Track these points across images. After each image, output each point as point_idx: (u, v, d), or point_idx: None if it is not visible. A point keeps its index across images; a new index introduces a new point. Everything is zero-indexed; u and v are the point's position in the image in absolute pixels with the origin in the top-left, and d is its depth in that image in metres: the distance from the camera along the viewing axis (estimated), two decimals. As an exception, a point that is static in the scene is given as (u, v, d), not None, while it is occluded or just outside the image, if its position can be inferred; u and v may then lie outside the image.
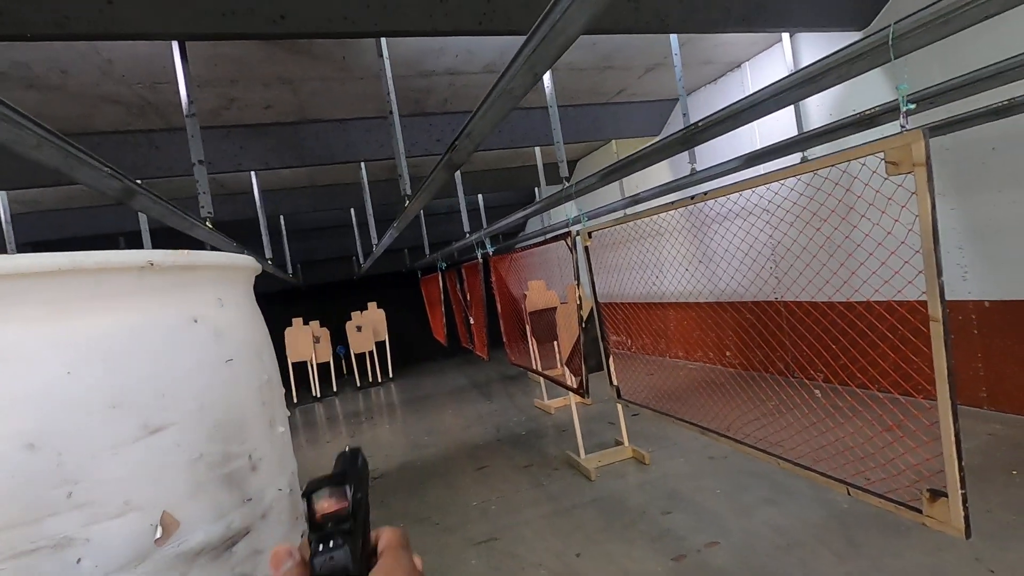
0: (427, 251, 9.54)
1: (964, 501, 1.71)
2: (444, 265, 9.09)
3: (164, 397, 0.54)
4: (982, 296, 4.13)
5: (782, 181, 2.25)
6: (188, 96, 3.22)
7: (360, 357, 11.23)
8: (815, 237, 3.10)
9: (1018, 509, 2.83)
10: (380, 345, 10.96)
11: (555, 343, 6.23)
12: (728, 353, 6.70)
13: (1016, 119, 3.45)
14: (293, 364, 9.57)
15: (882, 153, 1.79)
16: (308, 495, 0.44)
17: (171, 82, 3.97)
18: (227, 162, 5.19)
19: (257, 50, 3.87)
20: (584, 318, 4.20)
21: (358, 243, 9.33)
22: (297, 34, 2.84)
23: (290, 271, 8.64)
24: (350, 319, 10.73)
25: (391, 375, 10.89)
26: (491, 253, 6.50)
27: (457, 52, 4.48)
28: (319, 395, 9.67)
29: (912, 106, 1.78)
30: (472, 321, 7.88)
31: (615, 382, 4.04)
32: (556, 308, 6.20)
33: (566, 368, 5.18)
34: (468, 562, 3.20)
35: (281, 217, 8.77)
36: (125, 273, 0.54)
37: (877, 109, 2.94)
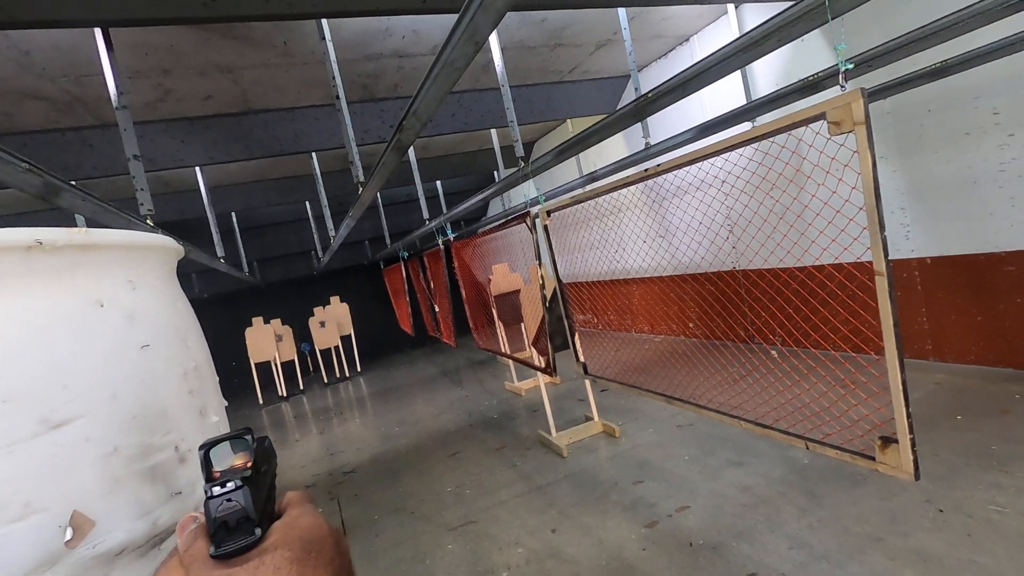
0: (388, 241, 9.38)
1: (912, 446, 1.79)
2: (406, 254, 8.97)
3: (68, 388, 0.49)
4: (924, 253, 4.31)
5: (734, 151, 2.27)
6: (117, 88, 3.03)
7: (326, 353, 11.04)
8: (766, 202, 3.16)
9: (963, 451, 3.00)
10: (346, 339, 10.78)
11: (522, 325, 6.24)
12: (691, 324, 6.85)
13: (948, 80, 3.58)
14: (256, 364, 9.33)
15: (824, 114, 1.82)
16: (205, 448, 0.41)
17: (98, 74, 3.73)
18: (168, 158, 4.95)
19: (190, 36, 3.68)
20: (548, 298, 4.21)
21: (315, 237, 9.09)
22: (229, 18, 2.68)
23: (246, 270, 8.36)
24: (313, 315, 10.50)
25: (359, 369, 10.74)
26: (452, 239, 6.43)
27: (404, 33, 4.36)
28: (285, 394, 9.47)
29: (850, 66, 1.82)
30: (437, 309, 7.81)
31: (582, 358, 4.07)
32: (520, 290, 6.20)
33: (533, 349, 5.20)
34: (445, 547, 3.20)
35: (233, 214, 8.46)
36: (7, 254, 0.49)
37: (821, 74, 3.01)
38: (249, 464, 0.43)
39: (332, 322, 10.44)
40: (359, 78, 4.98)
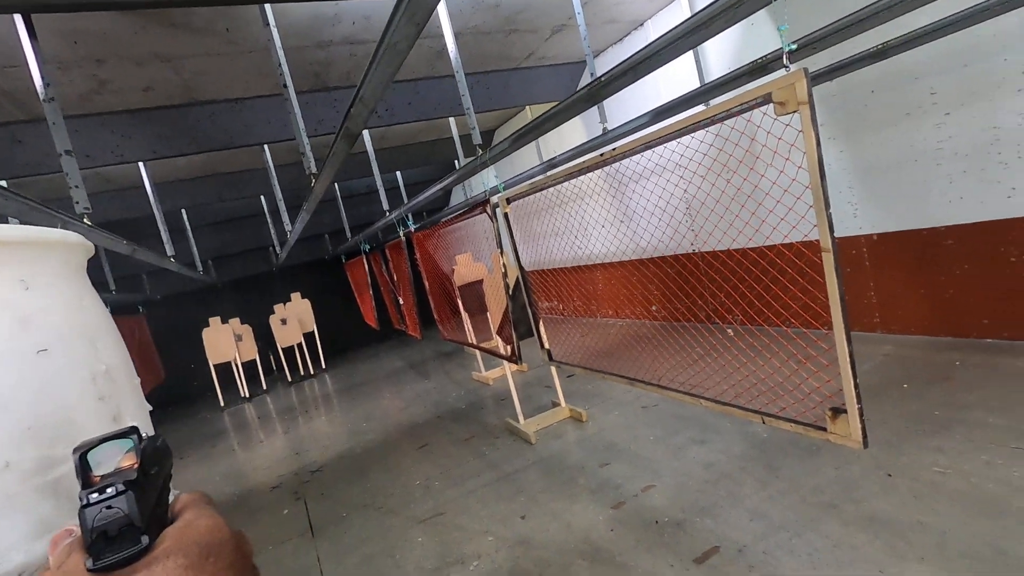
0: (348, 234, 9.19)
1: (860, 415, 1.86)
2: (368, 247, 8.81)
3: (-57, 400, 0.45)
4: (871, 230, 4.47)
5: (687, 135, 2.29)
6: (43, 79, 2.85)
7: (288, 351, 10.78)
8: (718, 183, 3.22)
9: (910, 418, 3.14)
10: (308, 336, 10.56)
11: (487, 314, 6.22)
12: (654, 307, 6.96)
13: (890, 62, 3.69)
14: (216, 366, 9.05)
15: (770, 95, 1.85)
16: (80, 452, 0.37)
17: (24, 65, 3.49)
18: (107, 153, 4.70)
19: (124, 23, 3.48)
20: (511, 286, 4.20)
21: (272, 232, 8.83)
22: (163, 2, 2.55)
23: (200, 268, 8.06)
24: (273, 313, 10.24)
25: (323, 366, 10.54)
26: (413, 230, 6.34)
27: (354, 19, 4.23)
28: (247, 395, 9.23)
29: (794, 47, 1.85)
30: (401, 301, 7.72)
31: (546, 345, 4.09)
32: (484, 279, 6.18)
33: (498, 338, 5.19)
34: (414, 540, 3.18)
35: (183, 211, 8.13)
36: None
37: (769, 56, 3.06)
38: (136, 466, 0.39)
39: (294, 319, 10.20)
40: (310, 66, 4.82)
